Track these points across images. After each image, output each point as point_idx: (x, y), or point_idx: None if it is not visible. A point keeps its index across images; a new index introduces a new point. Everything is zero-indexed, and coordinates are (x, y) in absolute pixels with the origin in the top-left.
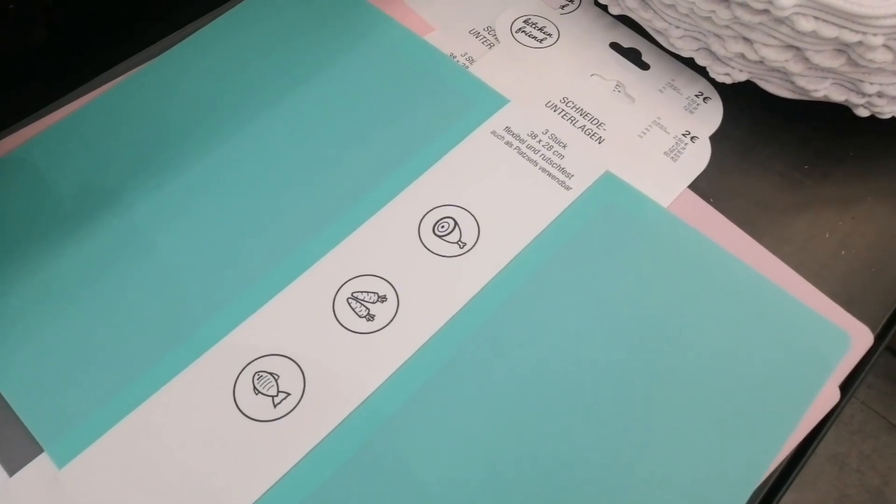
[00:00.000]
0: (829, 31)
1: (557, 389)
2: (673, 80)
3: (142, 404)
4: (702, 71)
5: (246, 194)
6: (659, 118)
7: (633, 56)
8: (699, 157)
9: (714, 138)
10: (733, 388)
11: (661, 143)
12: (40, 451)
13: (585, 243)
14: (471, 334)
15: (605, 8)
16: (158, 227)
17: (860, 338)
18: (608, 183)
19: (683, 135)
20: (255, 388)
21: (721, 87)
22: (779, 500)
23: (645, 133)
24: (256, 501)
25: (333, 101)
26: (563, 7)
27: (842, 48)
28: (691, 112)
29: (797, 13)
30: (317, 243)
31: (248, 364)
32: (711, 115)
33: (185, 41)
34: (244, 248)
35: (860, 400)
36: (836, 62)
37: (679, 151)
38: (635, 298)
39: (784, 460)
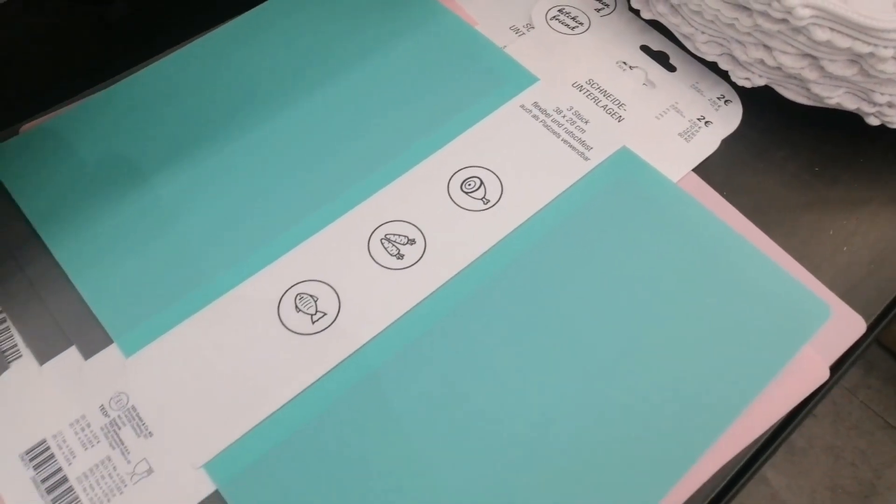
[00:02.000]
0: (843, 42)
1: (561, 332)
2: (697, 82)
3: (200, 311)
4: (724, 75)
5: (304, 147)
6: (676, 103)
7: (661, 59)
8: (711, 140)
9: (732, 138)
10: (719, 340)
11: (676, 125)
12: (111, 342)
13: (598, 208)
14: (487, 280)
15: (637, 12)
16: (233, 170)
17: (854, 326)
18: (624, 156)
19: (698, 119)
20: (296, 306)
21: (741, 92)
22: (763, 464)
23: (662, 115)
24: (291, 400)
25: (382, 74)
26: (598, 10)
27: (855, 58)
28: (714, 111)
29: (813, 23)
30: (358, 190)
31: (293, 286)
32: (731, 117)
33: (248, 14)
34: (298, 190)
35: (860, 399)
36: (850, 71)
37: (693, 133)
38: (638, 259)
39: (771, 428)
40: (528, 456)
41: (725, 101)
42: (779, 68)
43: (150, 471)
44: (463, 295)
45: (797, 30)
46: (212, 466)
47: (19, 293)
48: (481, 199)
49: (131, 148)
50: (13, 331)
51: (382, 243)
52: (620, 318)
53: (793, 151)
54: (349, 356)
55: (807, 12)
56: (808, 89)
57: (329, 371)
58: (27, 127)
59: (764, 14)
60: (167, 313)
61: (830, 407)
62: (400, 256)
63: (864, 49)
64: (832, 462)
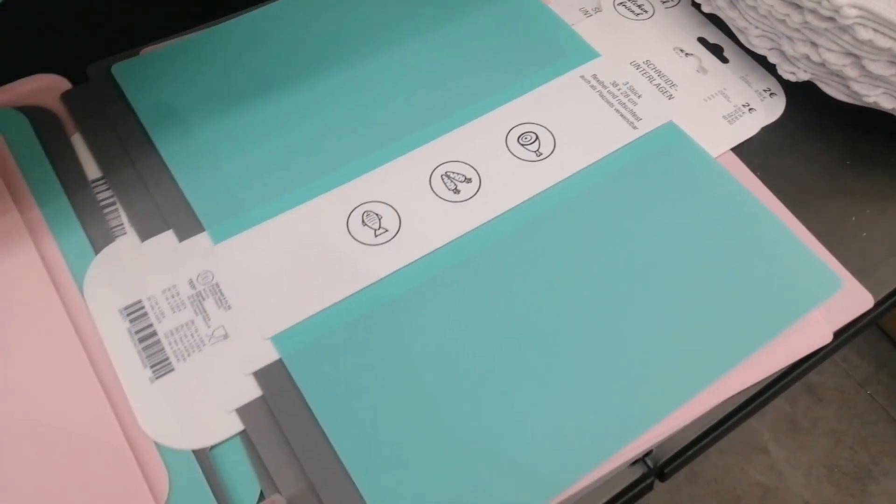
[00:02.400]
0: (884, 42)
1: (593, 269)
2: (746, 74)
3: (281, 214)
4: (772, 70)
5: (388, 93)
6: (725, 89)
7: (715, 50)
8: (752, 125)
9: (772, 127)
10: (735, 295)
11: (722, 108)
12: (202, 230)
13: (640, 169)
14: (533, 220)
15: (698, 6)
16: (326, 103)
17: (862, 300)
18: (670, 130)
19: (743, 105)
20: (363, 221)
21: (786, 87)
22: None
23: (710, 98)
24: (351, 295)
25: (461, 37)
26: (663, 2)
27: (894, 60)
28: (759, 101)
29: (858, 23)
30: (428, 132)
31: (362, 204)
32: (774, 108)
33: None
34: (377, 126)
35: (868, 391)
36: (889, 71)
37: (736, 117)
38: (670, 216)
39: (771, 377)
40: (552, 364)
41: (770, 94)
42: (823, 64)
43: (225, 336)
44: (510, 229)
45: (843, 28)
46: (278, 339)
47: (130, 183)
48: (535, 151)
49: (238, 75)
50: (121, 213)
51: (443, 178)
52: (648, 263)
53: (828, 145)
54: (404, 266)
55: (853, 12)
56: (848, 87)
57: (387, 276)
58: (147, 50)
59: (813, 11)
60: (253, 213)
61: (838, 395)
62: (457, 191)
63: None
64: (832, 444)
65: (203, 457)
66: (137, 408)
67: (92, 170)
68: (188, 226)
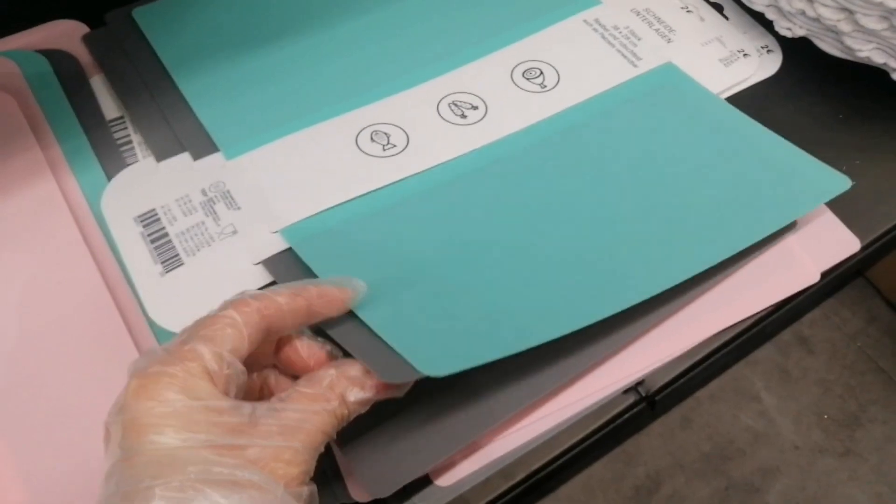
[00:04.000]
0: None
1: (597, 182)
2: (745, 32)
3: (292, 133)
4: (769, 28)
5: (402, 32)
6: (721, 36)
7: (715, 9)
8: (746, 69)
9: (768, 82)
10: (742, 193)
11: (718, 52)
12: (217, 150)
13: (641, 101)
14: (536, 142)
15: None
16: (343, 39)
17: (849, 244)
18: (669, 69)
19: (738, 51)
20: (371, 138)
21: (783, 44)
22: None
23: (707, 44)
24: (357, 197)
25: None
26: None
27: (886, 14)
28: (757, 57)
29: None
30: (438, 67)
31: (370, 125)
32: (771, 64)
33: None
34: (388, 60)
35: (858, 344)
36: (880, 26)
37: (732, 61)
38: (670, 138)
39: (759, 314)
40: (551, 250)
41: (768, 51)
42: (818, 20)
43: (234, 232)
44: (515, 149)
45: None
46: (286, 231)
47: (150, 116)
48: (540, 84)
49: (253, 15)
50: (136, 149)
51: (450, 106)
52: (651, 172)
53: (822, 99)
54: (410, 176)
55: None
56: (842, 42)
57: (394, 181)
58: None
59: None
60: (266, 133)
61: (828, 346)
62: (463, 116)
63: (894, 5)
64: (822, 392)
65: None
66: (147, 300)
67: (109, 110)
68: (203, 147)
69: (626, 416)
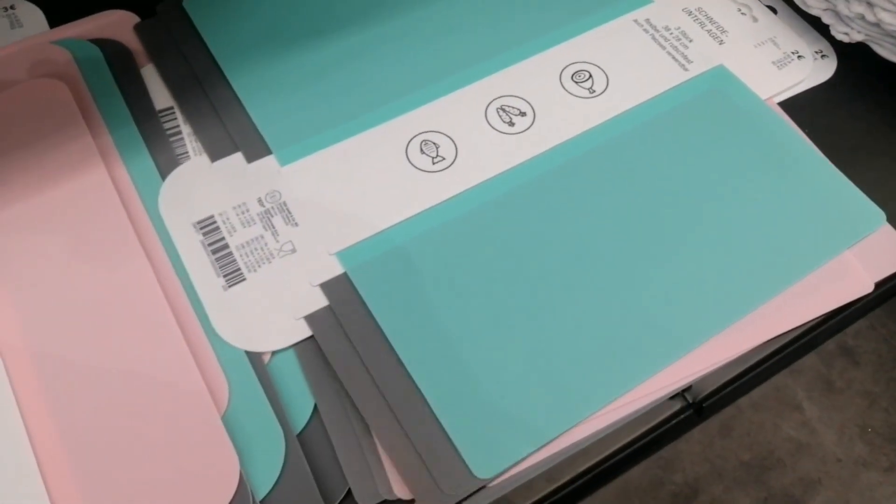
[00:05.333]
0: None
1: (639, 198)
2: (800, 35)
3: (344, 140)
4: (825, 32)
5: (450, 33)
6: (774, 37)
7: (770, 10)
8: (800, 72)
9: (822, 88)
10: (775, 227)
11: (771, 54)
12: (270, 153)
13: (691, 108)
14: (586, 151)
15: None
16: (389, 41)
17: None
18: (720, 72)
19: (792, 52)
20: (421, 149)
21: (839, 50)
22: (797, 357)
23: (760, 45)
24: (410, 217)
25: None
26: None
27: None
28: (812, 62)
29: None
30: (485, 68)
31: (420, 133)
32: (825, 70)
33: None
34: (438, 61)
35: None
36: None
37: (785, 63)
38: (717, 150)
39: (812, 322)
40: (600, 284)
41: (822, 56)
42: (877, 24)
43: (293, 250)
44: (563, 160)
45: None
46: (342, 254)
47: (200, 109)
48: (588, 88)
49: (307, 11)
50: (186, 141)
51: (498, 112)
52: (695, 192)
53: (877, 106)
54: (460, 192)
55: None
56: None
57: (444, 200)
58: None
59: None
60: (318, 138)
61: (875, 358)
62: (511, 124)
63: None
64: (867, 405)
65: (261, 369)
66: (212, 313)
67: (160, 100)
68: (256, 149)
69: (673, 422)
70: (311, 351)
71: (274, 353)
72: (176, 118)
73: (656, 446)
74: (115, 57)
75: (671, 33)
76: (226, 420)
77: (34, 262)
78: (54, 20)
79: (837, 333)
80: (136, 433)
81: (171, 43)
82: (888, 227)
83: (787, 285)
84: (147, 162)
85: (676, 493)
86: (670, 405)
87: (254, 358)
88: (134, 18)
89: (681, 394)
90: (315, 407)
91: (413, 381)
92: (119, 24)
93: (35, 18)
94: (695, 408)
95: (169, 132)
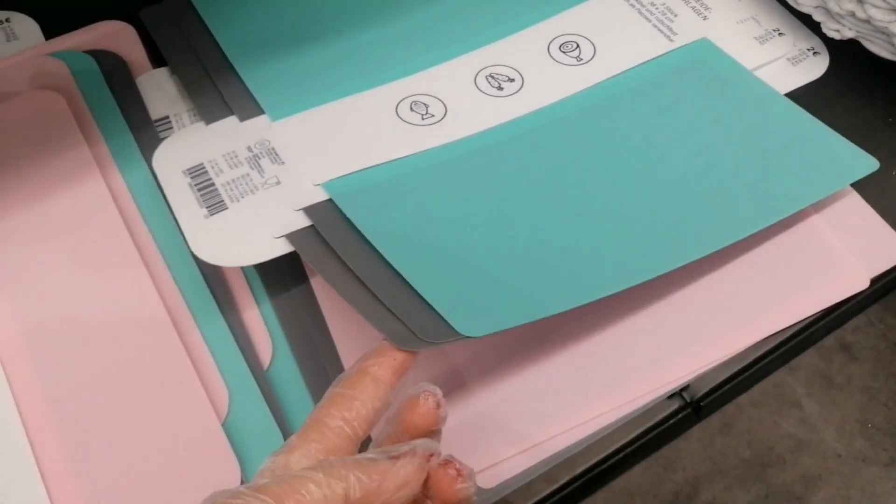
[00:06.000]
0: None
1: (627, 152)
2: (793, 32)
3: (334, 101)
4: (815, 30)
5: (440, 6)
6: (756, 15)
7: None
8: (782, 47)
9: (815, 84)
10: (773, 164)
11: (754, 30)
12: (262, 113)
13: (676, 75)
14: (572, 113)
15: None
16: (380, 16)
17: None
18: (704, 44)
19: (774, 29)
20: (411, 108)
21: (830, 47)
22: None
23: (742, 21)
24: (397, 159)
25: None
26: None
27: None
28: (800, 62)
29: None
30: (476, 40)
31: (409, 96)
32: (817, 67)
33: None
34: (427, 35)
35: None
36: None
37: (767, 39)
38: (704, 112)
39: (809, 319)
40: (589, 213)
41: (814, 53)
42: (868, 21)
43: (277, 183)
44: (551, 118)
45: None
46: (328, 184)
47: (197, 78)
48: (576, 57)
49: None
50: (188, 124)
51: (487, 78)
52: (684, 144)
53: (870, 101)
54: (448, 143)
55: None
56: (892, 43)
57: (431, 147)
58: None
59: None
60: (310, 99)
61: (873, 354)
62: (500, 88)
63: None
64: (866, 400)
65: (260, 376)
66: (192, 237)
67: (155, 109)
68: (249, 110)
69: (671, 421)
70: (308, 355)
71: (272, 358)
72: (171, 127)
73: (655, 446)
74: (111, 68)
75: (657, 8)
76: (226, 427)
77: (34, 271)
78: (50, 32)
79: (835, 329)
80: (137, 441)
81: (168, 18)
82: (882, 222)
83: (781, 216)
84: (143, 170)
85: (677, 492)
86: (668, 404)
87: (253, 365)
88: (128, 29)
89: (678, 393)
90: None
91: (398, 273)
92: (114, 35)
93: (31, 30)
94: (693, 406)
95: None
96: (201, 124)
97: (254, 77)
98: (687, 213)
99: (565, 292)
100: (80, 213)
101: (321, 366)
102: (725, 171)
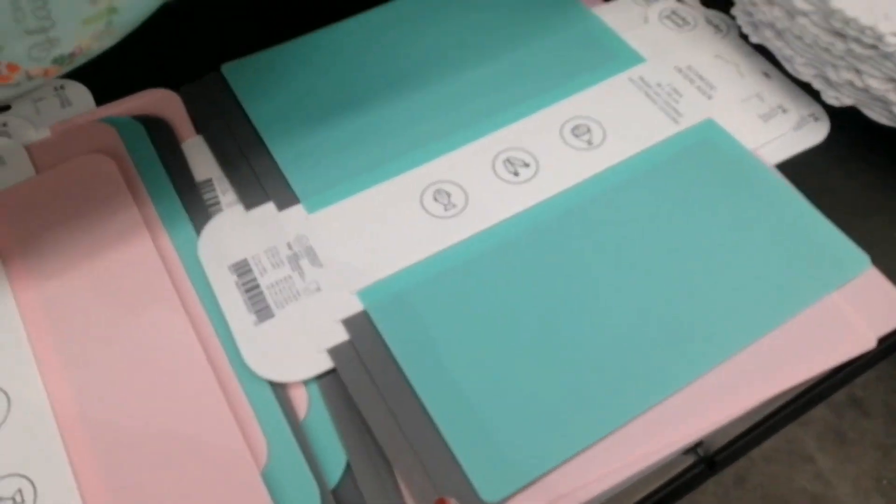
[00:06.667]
0: None
1: (632, 248)
2: (791, 100)
3: (364, 191)
4: (816, 97)
5: (457, 93)
6: (760, 92)
7: (763, 75)
8: (785, 124)
9: (815, 150)
10: (759, 272)
11: (757, 108)
12: (298, 202)
13: (682, 159)
14: (584, 200)
15: (746, 37)
16: (403, 101)
17: None
18: (709, 125)
19: (777, 106)
20: (434, 198)
21: (831, 113)
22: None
23: (747, 100)
24: (427, 258)
25: (521, 48)
26: (714, 34)
27: None
28: (801, 127)
29: None
30: (491, 124)
31: (434, 183)
32: (817, 132)
33: None
34: (447, 118)
35: None
36: None
37: (770, 116)
38: (707, 200)
39: (814, 379)
40: (600, 322)
41: (815, 119)
42: (866, 90)
43: (318, 289)
44: (565, 207)
45: (885, 55)
46: (363, 293)
47: (236, 163)
48: (587, 141)
49: (330, 75)
50: (230, 188)
51: (504, 163)
52: (688, 238)
53: (871, 165)
54: (470, 236)
55: (895, 40)
56: (890, 111)
57: (455, 243)
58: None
59: (857, 40)
60: (341, 188)
61: (885, 410)
62: (516, 174)
63: None
64: (881, 456)
65: (296, 426)
66: (244, 347)
67: (199, 173)
68: (286, 198)
69: (686, 476)
70: (342, 408)
71: (308, 409)
72: (214, 189)
73: (670, 500)
74: (158, 133)
75: (663, 89)
76: (264, 476)
77: (84, 326)
78: (100, 98)
79: (842, 387)
80: (178, 490)
81: (211, 105)
82: (889, 283)
83: (773, 327)
84: (188, 231)
85: None
86: (683, 460)
87: (289, 415)
88: (174, 97)
89: (693, 448)
90: (347, 463)
91: (426, 410)
92: (160, 102)
93: (83, 97)
94: (707, 462)
95: (208, 203)
96: (241, 208)
97: (285, 157)
98: (698, 322)
99: (600, 418)
100: (130, 271)
101: (355, 419)
102: (732, 270)
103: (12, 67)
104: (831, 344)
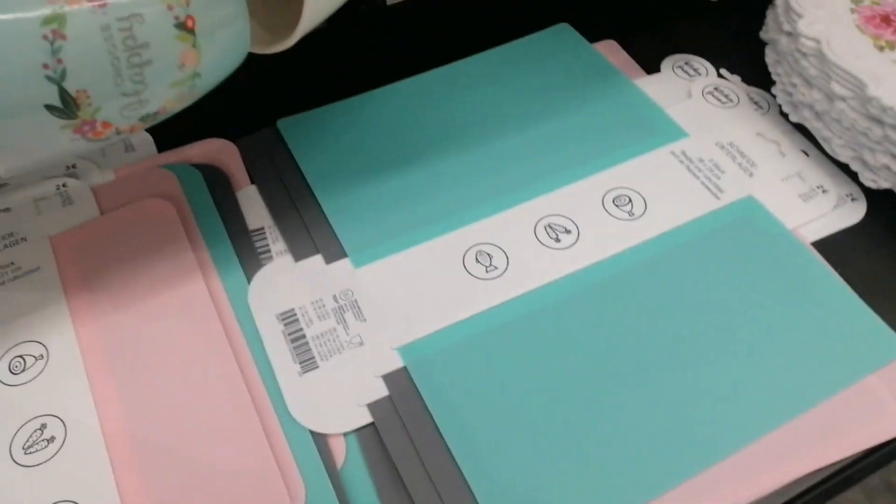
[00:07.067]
0: None
1: (667, 320)
2: (830, 179)
3: (409, 249)
4: (854, 177)
5: (504, 159)
6: (800, 171)
7: (802, 153)
8: (825, 204)
9: (852, 230)
10: (794, 355)
11: (797, 187)
12: (346, 256)
13: (721, 236)
14: (625, 269)
15: (786, 116)
16: (450, 165)
17: None
18: (749, 202)
19: (818, 187)
20: (476, 259)
21: (868, 193)
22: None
23: (787, 179)
24: (467, 318)
25: (568, 118)
26: (755, 111)
27: None
28: (839, 207)
29: None
30: (536, 190)
31: (476, 245)
32: (855, 212)
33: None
34: (492, 184)
35: None
36: None
37: (810, 196)
38: (745, 278)
39: (845, 461)
40: (636, 392)
41: (852, 199)
42: None
43: (361, 343)
44: (603, 276)
45: None
46: (403, 349)
47: (288, 216)
48: (628, 211)
49: (379, 136)
50: (280, 238)
51: (546, 229)
52: (723, 315)
53: None
54: (510, 299)
55: None
56: None
57: (495, 305)
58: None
59: (894, 127)
60: (387, 245)
61: None
62: (557, 240)
63: None
64: None
65: (334, 475)
66: (288, 395)
67: (252, 221)
68: (334, 252)
69: None
70: (379, 461)
71: (346, 459)
72: (266, 237)
73: None
74: (214, 181)
75: (704, 164)
76: None
77: (138, 361)
78: (162, 146)
79: (876, 471)
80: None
81: (266, 158)
82: None
83: (807, 408)
84: (239, 275)
85: None
86: None
87: (328, 463)
88: (231, 147)
89: None
90: None
91: (461, 472)
92: (218, 152)
93: (146, 143)
94: None
95: (259, 250)
96: (290, 258)
97: (335, 210)
98: (734, 399)
99: (635, 490)
100: (183, 310)
101: (391, 473)
102: (768, 349)
103: (106, 125)
104: (865, 426)
